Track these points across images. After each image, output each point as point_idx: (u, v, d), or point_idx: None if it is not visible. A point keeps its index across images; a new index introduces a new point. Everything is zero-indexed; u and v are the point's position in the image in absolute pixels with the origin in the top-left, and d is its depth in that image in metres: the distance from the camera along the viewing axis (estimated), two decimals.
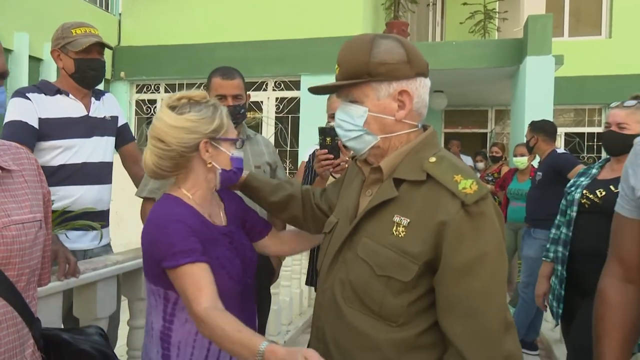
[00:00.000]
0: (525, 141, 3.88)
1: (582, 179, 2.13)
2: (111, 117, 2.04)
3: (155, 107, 7.19)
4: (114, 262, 1.76)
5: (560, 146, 8.26)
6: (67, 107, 1.90)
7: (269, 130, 6.72)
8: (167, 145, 1.18)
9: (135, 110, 7.27)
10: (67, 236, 1.65)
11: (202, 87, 6.71)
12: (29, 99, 1.80)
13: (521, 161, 4.33)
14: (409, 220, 0.98)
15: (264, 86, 6.81)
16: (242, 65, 6.70)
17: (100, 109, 2.01)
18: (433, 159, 1.01)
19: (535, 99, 5.39)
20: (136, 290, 1.93)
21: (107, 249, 2.05)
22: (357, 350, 1.02)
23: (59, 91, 1.90)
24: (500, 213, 1.01)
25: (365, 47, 1.04)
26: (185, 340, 1.22)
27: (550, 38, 5.45)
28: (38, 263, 1.00)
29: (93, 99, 2.00)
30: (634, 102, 1.96)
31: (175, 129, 1.18)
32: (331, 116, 3.79)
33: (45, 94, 1.86)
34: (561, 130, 8.20)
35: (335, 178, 1.63)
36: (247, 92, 1.97)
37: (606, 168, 2.08)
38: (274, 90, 6.77)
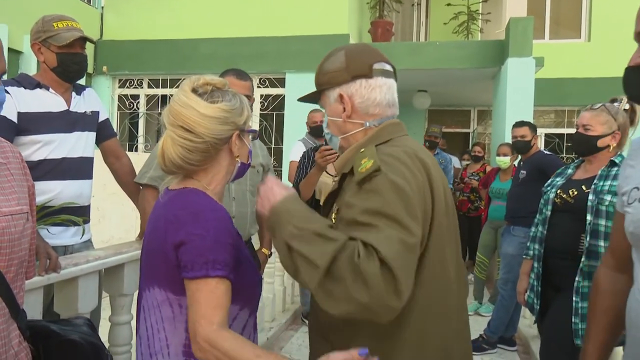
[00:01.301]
0: (510, 141, 3.91)
1: (558, 179, 2.19)
2: (92, 112, 2.03)
3: (138, 102, 7.11)
4: (96, 257, 1.76)
5: (540, 146, 8.43)
6: (48, 101, 1.88)
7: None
8: (197, 137, 1.05)
9: (118, 105, 7.18)
10: (49, 231, 1.63)
11: None
12: (8, 93, 1.78)
13: (504, 161, 4.40)
14: (337, 207, 1.09)
15: None
16: (226, 62, 6.70)
17: (81, 103, 1.99)
18: (362, 150, 1.06)
19: (516, 99, 5.49)
20: (118, 286, 1.93)
21: (88, 244, 2.04)
22: (338, 326, 1.07)
23: (39, 85, 1.87)
24: (398, 184, 0.96)
25: (322, 61, 1.18)
26: None
27: (531, 40, 5.55)
28: (26, 255, 1.01)
29: (74, 94, 1.98)
30: (599, 104, 2.04)
31: (208, 119, 1.05)
32: (311, 127, 3.92)
33: (25, 88, 1.84)
34: (541, 131, 8.36)
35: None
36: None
37: (581, 169, 2.14)
38: (258, 87, 6.76)
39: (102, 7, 7.08)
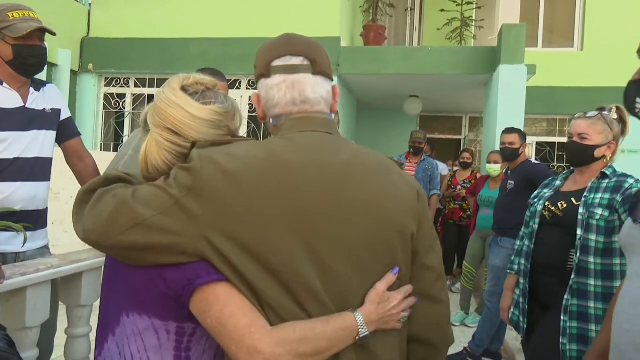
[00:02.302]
0: (498, 148, 3.83)
1: (545, 190, 2.09)
2: (52, 109, 1.89)
3: (124, 101, 6.97)
4: (48, 266, 1.62)
5: (531, 155, 8.38)
6: (1, 97, 1.74)
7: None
8: (186, 141, 0.94)
9: (104, 104, 7.03)
10: None
11: None
12: None
13: (494, 168, 4.32)
14: None
15: (238, 84, 6.67)
16: (216, 63, 6.58)
17: (40, 100, 1.86)
18: None
19: (508, 106, 5.42)
20: (75, 296, 1.79)
21: (43, 251, 1.90)
22: None
23: None
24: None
25: None
26: None
27: (523, 47, 5.49)
28: None
29: (32, 89, 1.85)
30: (595, 112, 1.93)
31: (200, 122, 0.95)
32: None
33: None
34: (533, 140, 8.31)
35: None
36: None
37: (570, 180, 2.04)
38: (247, 88, 6.65)
39: (90, 4, 6.93)
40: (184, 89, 0.98)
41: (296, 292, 0.87)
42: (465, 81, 6.45)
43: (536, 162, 3.54)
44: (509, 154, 3.53)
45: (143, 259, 0.86)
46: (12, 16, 1.69)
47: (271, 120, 1.03)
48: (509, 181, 3.46)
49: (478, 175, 5.51)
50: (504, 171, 4.21)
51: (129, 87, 6.97)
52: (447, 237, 5.78)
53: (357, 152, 0.99)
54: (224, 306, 0.83)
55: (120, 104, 6.99)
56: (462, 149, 8.94)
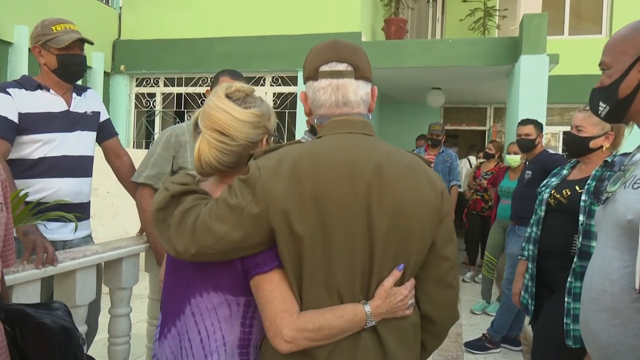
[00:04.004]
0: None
1: (553, 179, 2.18)
2: (92, 112, 2.11)
3: (154, 100, 7.26)
4: (93, 252, 1.84)
5: (559, 145, 8.27)
6: (48, 102, 1.96)
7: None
8: (232, 140, 1.13)
9: (135, 103, 7.34)
10: (45, 227, 1.71)
11: (200, 82, 6.75)
12: (10, 94, 1.86)
13: (514, 159, 4.36)
14: None
15: (262, 81, 6.86)
16: (241, 61, 6.77)
17: (81, 104, 2.08)
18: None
19: (530, 97, 5.41)
20: (116, 279, 2.01)
21: (87, 240, 2.12)
22: None
23: (39, 86, 1.96)
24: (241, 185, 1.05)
25: None
26: (258, 341, 1.18)
27: (544, 37, 5.46)
28: (0, 242, 1.06)
29: (75, 95, 2.06)
30: None
31: (243, 123, 1.13)
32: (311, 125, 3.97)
33: (26, 89, 1.92)
34: (560, 129, 8.21)
35: None
36: None
37: (576, 169, 2.13)
38: (271, 85, 6.82)
39: (120, 8, 7.24)
40: (227, 96, 1.16)
41: (320, 272, 1.04)
42: (488, 72, 6.44)
43: (553, 152, 3.57)
44: (525, 145, 3.58)
45: (229, 257, 1.07)
46: (55, 29, 1.90)
47: (315, 120, 1.19)
48: (527, 171, 3.51)
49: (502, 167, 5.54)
50: (523, 162, 4.25)
51: (158, 86, 7.26)
52: (471, 228, 5.84)
53: (388, 152, 1.12)
54: (273, 290, 1.05)
55: (151, 103, 7.29)
56: (486, 139, 8.92)
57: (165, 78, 7.21)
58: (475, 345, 3.61)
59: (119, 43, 7.11)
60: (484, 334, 3.66)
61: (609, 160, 1.95)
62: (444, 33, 8.97)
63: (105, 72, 6.84)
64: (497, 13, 7.73)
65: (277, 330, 1.02)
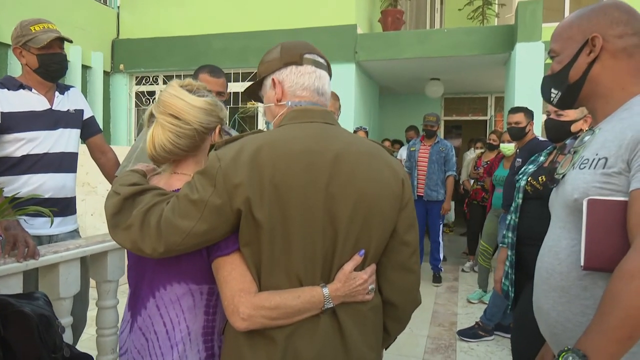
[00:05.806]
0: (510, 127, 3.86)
1: (530, 166, 2.19)
2: (75, 110, 2.16)
3: (154, 98, 7.32)
4: (77, 245, 1.89)
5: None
6: (31, 101, 2.02)
7: (264, 120, 6.81)
8: (185, 123, 1.19)
9: (135, 102, 7.42)
10: (25, 221, 1.77)
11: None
12: None
13: (508, 147, 4.36)
14: None
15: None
16: (238, 56, 6.80)
17: (64, 102, 2.13)
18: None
19: (526, 85, 5.38)
20: (102, 272, 2.06)
21: (73, 234, 2.18)
22: None
23: (22, 86, 2.01)
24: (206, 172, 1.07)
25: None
26: (222, 328, 1.21)
27: (540, 24, 5.41)
28: None
29: (57, 93, 2.12)
30: None
31: (196, 109, 1.20)
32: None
33: (9, 89, 1.98)
34: None
35: None
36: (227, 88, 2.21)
37: (552, 155, 2.13)
38: None
39: (118, 7, 7.29)
40: (181, 87, 1.24)
41: (282, 250, 1.07)
42: (485, 61, 6.41)
43: (543, 139, 3.57)
44: (515, 133, 3.58)
45: (198, 248, 1.10)
46: (34, 29, 1.95)
47: (289, 103, 1.19)
48: (517, 159, 3.51)
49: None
50: (516, 149, 4.25)
51: (157, 84, 7.32)
52: (472, 217, 5.85)
53: (349, 141, 1.14)
54: (232, 270, 1.08)
55: (151, 100, 7.36)
56: (487, 129, 8.88)
57: (164, 76, 7.27)
58: (467, 333, 3.63)
59: (117, 42, 7.17)
60: (477, 322, 3.69)
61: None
62: (443, 23, 8.92)
63: (105, 72, 6.91)
64: (496, 1, 7.66)
65: (235, 309, 1.05)
